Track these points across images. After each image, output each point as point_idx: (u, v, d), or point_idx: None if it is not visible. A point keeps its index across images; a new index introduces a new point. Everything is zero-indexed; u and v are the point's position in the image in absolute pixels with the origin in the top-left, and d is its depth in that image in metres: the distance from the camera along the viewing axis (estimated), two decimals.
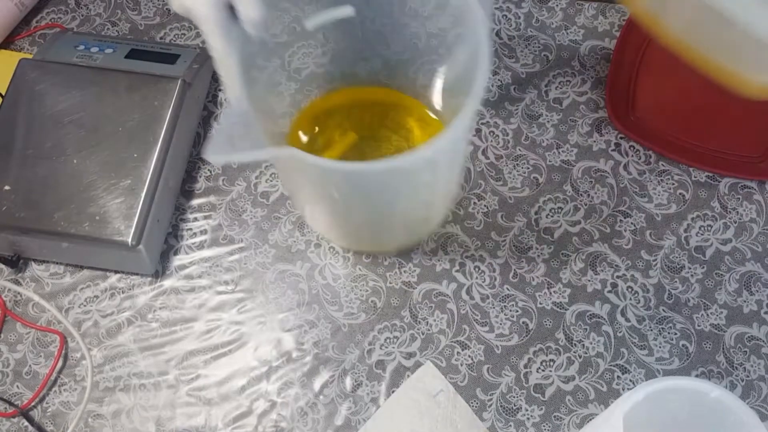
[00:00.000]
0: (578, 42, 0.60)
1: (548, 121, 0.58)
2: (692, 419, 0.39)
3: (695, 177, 0.56)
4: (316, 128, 0.54)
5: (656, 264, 0.53)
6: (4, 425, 0.49)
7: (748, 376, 0.50)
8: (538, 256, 0.53)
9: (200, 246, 0.54)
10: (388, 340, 0.51)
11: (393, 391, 0.50)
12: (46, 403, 0.50)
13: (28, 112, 0.53)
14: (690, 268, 0.53)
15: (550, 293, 0.52)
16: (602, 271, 0.53)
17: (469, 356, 0.51)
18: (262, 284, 0.53)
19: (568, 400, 0.50)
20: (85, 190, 0.51)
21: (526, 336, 0.51)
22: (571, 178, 0.56)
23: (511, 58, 0.60)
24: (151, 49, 0.56)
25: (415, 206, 0.48)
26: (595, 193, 0.55)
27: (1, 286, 0.53)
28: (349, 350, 0.51)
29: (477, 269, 0.53)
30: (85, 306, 0.52)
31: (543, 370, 0.50)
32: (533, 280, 0.53)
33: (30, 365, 0.51)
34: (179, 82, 0.54)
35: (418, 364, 0.50)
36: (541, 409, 0.49)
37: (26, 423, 0.49)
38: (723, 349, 0.51)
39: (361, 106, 0.55)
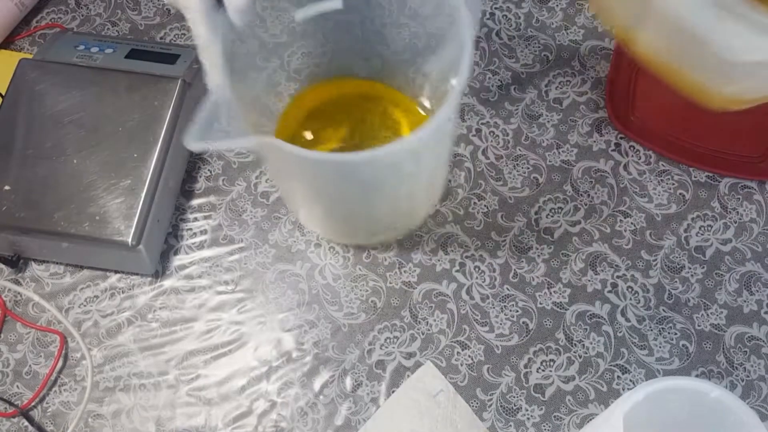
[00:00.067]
0: (578, 42, 0.60)
1: (548, 121, 0.58)
2: (692, 419, 0.39)
3: (695, 177, 0.56)
4: (308, 133, 0.54)
5: (656, 264, 0.53)
6: (4, 425, 0.49)
7: (748, 376, 0.50)
8: (538, 256, 0.53)
9: (200, 246, 0.54)
10: (388, 340, 0.51)
11: (393, 391, 0.50)
12: (46, 403, 0.50)
13: (28, 112, 0.53)
14: (690, 268, 0.53)
15: (550, 293, 0.52)
16: (602, 271, 0.53)
17: (469, 356, 0.51)
18: (262, 284, 0.53)
19: (568, 400, 0.50)
20: (85, 190, 0.51)
21: (526, 336, 0.51)
22: (571, 178, 0.56)
23: (511, 58, 0.60)
24: (151, 49, 0.56)
25: (399, 198, 0.48)
26: (595, 193, 0.55)
27: (1, 286, 0.53)
28: (349, 350, 0.51)
29: (477, 269, 0.53)
30: (85, 306, 0.52)
31: (543, 370, 0.50)
32: (533, 280, 0.53)
33: (30, 365, 0.51)
34: (179, 82, 0.54)
35: (418, 364, 0.50)
36: (541, 409, 0.49)
37: (26, 423, 0.49)
38: (723, 349, 0.51)
39: (354, 102, 0.55)
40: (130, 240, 0.50)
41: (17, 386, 0.50)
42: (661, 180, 0.56)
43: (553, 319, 0.52)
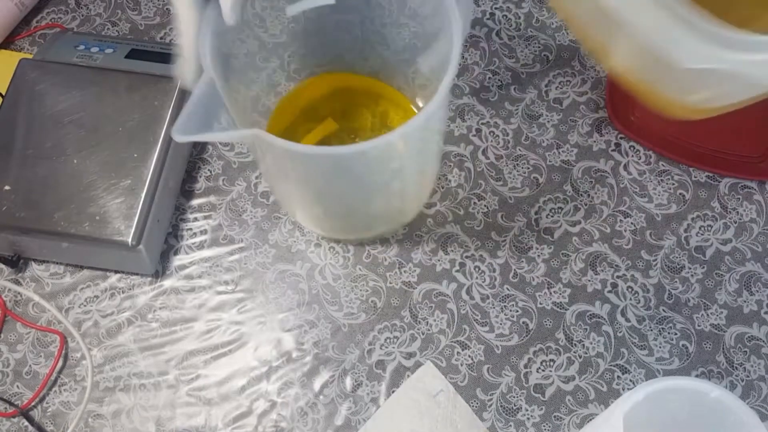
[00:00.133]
0: (578, 42, 0.60)
1: (548, 121, 0.58)
2: (692, 419, 0.39)
3: (695, 177, 0.56)
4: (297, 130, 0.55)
5: (656, 264, 0.53)
6: (4, 425, 0.49)
7: (748, 376, 0.50)
8: (538, 256, 0.53)
9: (200, 246, 0.54)
10: (388, 340, 0.51)
11: (393, 391, 0.50)
12: (46, 403, 0.50)
13: (28, 112, 0.53)
14: (690, 268, 0.53)
15: (550, 293, 0.52)
16: (602, 271, 0.53)
17: (469, 356, 0.51)
18: (262, 284, 0.53)
19: (568, 400, 0.50)
20: (85, 190, 0.51)
21: (526, 336, 0.51)
22: (571, 178, 0.56)
23: (511, 58, 0.60)
24: (151, 49, 0.56)
25: (388, 193, 0.48)
26: (595, 193, 0.55)
27: (1, 286, 0.53)
28: (349, 350, 0.51)
29: (477, 269, 0.53)
30: (85, 306, 0.52)
31: (543, 370, 0.50)
32: (533, 280, 0.53)
33: (30, 365, 0.51)
34: (179, 82, 0.54)
35: (418, 364, 0.50)
36: (541, 409, 0.49)
37: (26, 423, 0.49)
38: (723, 349, 0.51)
39: (346, 96, 0.56)
40: (130, 240, 0.50)
41: (17, 386, 0.50)
42: (661, 180, 0.56)
43: (553, 319, 0.52)
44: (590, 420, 0.48)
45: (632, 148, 0.57)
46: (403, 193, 0.48)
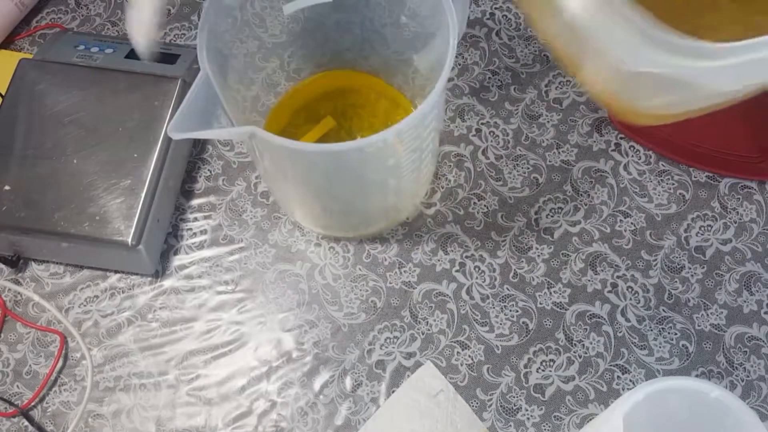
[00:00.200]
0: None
1: (548, 121, 0.58)
2: (692, 419, 0.39)
3: (695, 177, 0.56)
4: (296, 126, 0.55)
5: (656, 264, 0.53)
6: (4, 425, 0.49)
7: (748, 376, 0.50)
8: (538, 256, 0.53)
9: (200, 246, 0.54)
10: (388, 340, 0.51)
11: (393, 391, 0.50)
12: (46, 403, 0.50)
13: (28, 112, 0.53)
14: (690, 268, 0.53)
15: (550, 293, 0.52)
16: (602, 271, 0.53)
17: (469, 356, 0.51)
18: (262, 284, 0.53)
19: (568, 400, 0.50)
20: (85, 190, 0.51)
21: (526, 336, 0.51)
22: (571, 178, 0.56)
23: (511, 58, 0.60)
24: None
25: (381, 191, 0.48)
26: (595, 193, 0.55)
27: (1, 286, 0.53)
28: (349, 350, 0.51)
29: (477, 269, 0.53)
30: (85, 306, 0.52)
31: (543, 370, 0.50)
32: (533, 280, 0.53)
33: (30, 365, 0.51)
34: (179, 82, 0.54)
35: (418, 364, 0.50)
36: (541, 409, 0.49)
37: (26, 423, 0.49)
38: (723, 349, 0.51)
39: (345, 96, 0.56)
40: (130, 240, 0.50)
41: (17, 386, 0.50)
42: (661, 180, 0.56)
43: (553, 319, 0.52)
44: (590, 420, 0.48)
45: (632, 148, 0.57)
46: (398, 190, 0.48)
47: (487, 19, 0.61)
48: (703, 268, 0.53)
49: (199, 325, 0.52)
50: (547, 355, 0.51)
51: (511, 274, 0.53)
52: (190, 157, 0.57)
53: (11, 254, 0.52)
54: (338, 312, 0.52)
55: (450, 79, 0.59)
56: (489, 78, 0.59)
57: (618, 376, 0.50)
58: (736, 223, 0.55)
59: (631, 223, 0.54)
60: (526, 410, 0.49)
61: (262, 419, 0.49)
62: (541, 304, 0.52)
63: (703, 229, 0.54)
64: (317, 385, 0.50)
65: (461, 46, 0.60)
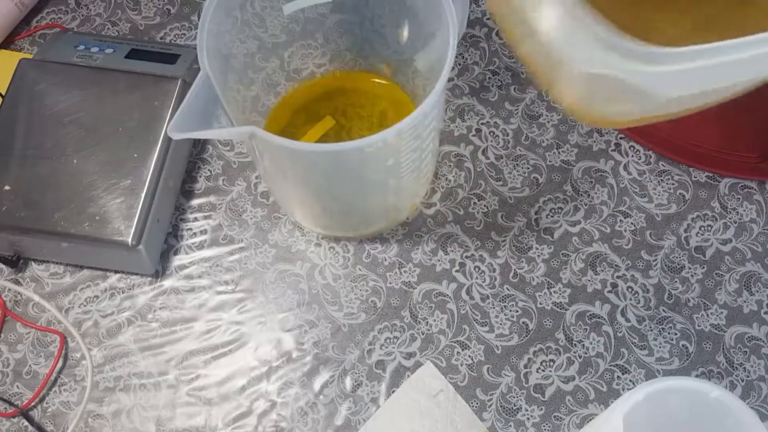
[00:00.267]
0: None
1: (548, 121, 0.58)
2: (692, 419, 0.39)
3: (695, 177, 0.56)
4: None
5: (656, 264, 0.53)
6: (4, 425, 0.49)
7: (748, 376, 0.50)
8: (538, 256, 0.53)
9: (200, 246, 0.54)
10: (388, 340, 0.51)
11: (393, 391, 0.50)
12: (46, 403, 0.50)
13: (28, 112, 0.53)
14: (690, 268, 0.53)
15: (550, 293, 0.52)
16: (602, 271, 0.53)
17: (469, 356, 0.51)
18: (262, 284, 0.53)
19: (568, 400, 0.50)
20: (85, 190, 0.51)
21: (526, 336, 0.51)
22: (571, 178, 0.56)
23: (511, 59, 0.60)
24: (151, 49, 0.56)
25: (381, 191, 0.48)
26: (595, 193, 0.55)
27: (1, 286, 0.53)
28: (349, 350, 0.51)
29: (477, 269, 0.53)
30: (85, 306, 0.52)
31: (543, 370, 0.50)
32: (533, 280, 0.53)
33: (30, 365, 0.51)
34: (179, 82, 0.54)
35: (418, 364, 0.50)
36: (541, 409, 0.49)
37: (26, 423, 0.49)
38: (723, 349, 0.51)
39: (345, 96, 0.56)
40: (130, 240, 0.50)
41: (17, 386, 0.50)
42: (661, 180, 0.56)
43: (553, 319, 0.52)
44: (590, 420, 0.48)
45: (632, 148, 0.57)
46: (398, 190, 0.48)
47: (487, 19, 0.61)
48: (703, 268, 0.53)
49: (199, 325, 0.52)
50: (547, 355, 0.51)
51: (511, 274, 0.53)
52: (190, 157, 0.57)
53: (11, 254, 0.52)
54: (338, 312, 0.52)
55: (450, 79, 0.59)
56: (489, 78, 0.59)
57: (618, 376, 0.50)
58: (736, 223, 0.55)
59: (631, 223, 0.54)
60: (526, 410, 0.49)
61: (262, 419, 0.49)
62: (541, 304, 0.52)
63: (703, 229, 0.54)
64: (317, 385, 0.50)
65: (461, 46, 0.60)
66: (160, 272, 0.53)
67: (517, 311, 0.52)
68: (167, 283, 0.53)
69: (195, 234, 0.55)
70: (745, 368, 0.50)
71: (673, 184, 0.56)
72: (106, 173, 0.51)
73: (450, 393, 0.49)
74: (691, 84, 0.30)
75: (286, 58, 0.53)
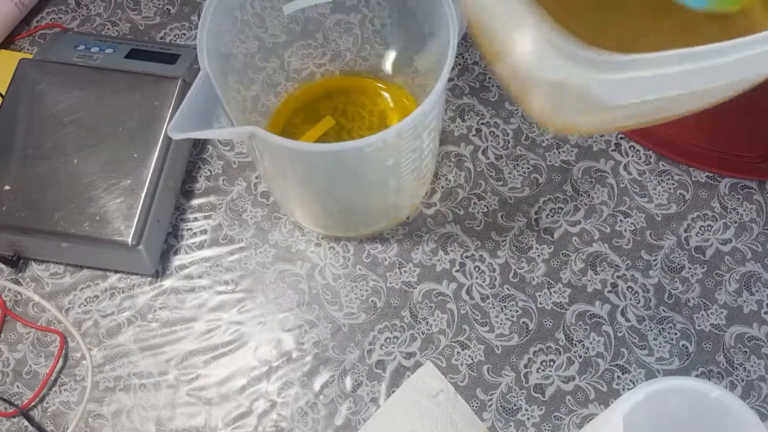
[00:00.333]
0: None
1: None
2: (692, 419, 0.39)
3: (695, 177, 0.56)
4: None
5: (656, 264, 0.53)
6: (4, 425, 0.49)
7: (748, 376, 0.50)
8: (538, 256, 0.53)
9: (200, 246, 0.54)
10: (388, 340, 0.51)
11: (393, 391, 0.50)
12: (46, 403, 0.50)
13: (28, 112, 0.53)
14: (690, 268, 0.53)
15: (550, 293, 0.52)
16: (602, 271, 0.53)
17: (469, 356, 0.51)
18: (262, 284, 0.53)
19: (568, 400, 0.50)
20: (85, 190, 0.51)
21: (526, 336, 0.51)
22: (571, 178, 0.56)
23: None
24: (151, 49, 0.56)
25: (381, 191, 0.48)
26: (595, 193, 0.55)
27: (1, 286, 0.53)
28: (349, 350, 0.51)
29: (477, 269, 0.53)
30: (85, 306, 0.52)
31: (543, 370, 0.50)
32: (533, 280, 0.53)
33: (30, 365, 0.51)
34: (179, 82, 0.54)
35: (418, 364, 0.50)
36: (541, 409, 0.49)
37: (26, 423, 0.49)
38: (723, 349, 0.51)
39: (345, 96, 0.56)
40: (130, 240, 0.50)
41: (17, 386, 0.50)
42: (661, 180, 0.56)
43: (553, 319, 0.52)
44: (590, 420, 0.48)
45: (632, 148, 0.57)
46: (398, 190, 0.48)
47: None
48: (703, 268, 0.53)
49: (199, 325, 0.52)
50: (547, 355, 0.51)
51: (511, 274, 0.53)
52: (190, 157, 0.57)
53: (11, 254, 0.52)
54: (338, 312, 0.52)
55: (450, 79, 0.59)
56: (489, 78, 0.59)
57: (618, 376, 0.50)
58: (736, 223, 0.55)
59: (631, 223, 0.54)
60: (526, 410, 0.49)
61: (262, 419, 0.49)
62: (541, 304, 0.52)
63: (703, 229, 0.54)
64: (317, 385, 0.50)
65: (461, 46, 0.60)
66: (160, 272, 0.53)
67: (517, 311, 0.52)
68: (167, 283, 0.53)
69: (195, 234, 0.55)
70: (745, 368, 0.50)
71: (673, 184, 0.56)
72: (106, 173, 0.51)
73: (450, 393, 0.49)
74: (632, 93, 0.30)
75: (286, 58, 0.53)
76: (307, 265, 0.53)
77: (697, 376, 0.50)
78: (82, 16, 0.62)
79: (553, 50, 0.28)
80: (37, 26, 0.62)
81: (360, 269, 0.53)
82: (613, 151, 0.57)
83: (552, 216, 0.55)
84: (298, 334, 0.52)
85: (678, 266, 0.53)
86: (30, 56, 0.57)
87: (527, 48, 0.30)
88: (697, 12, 0.36)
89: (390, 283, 0.53)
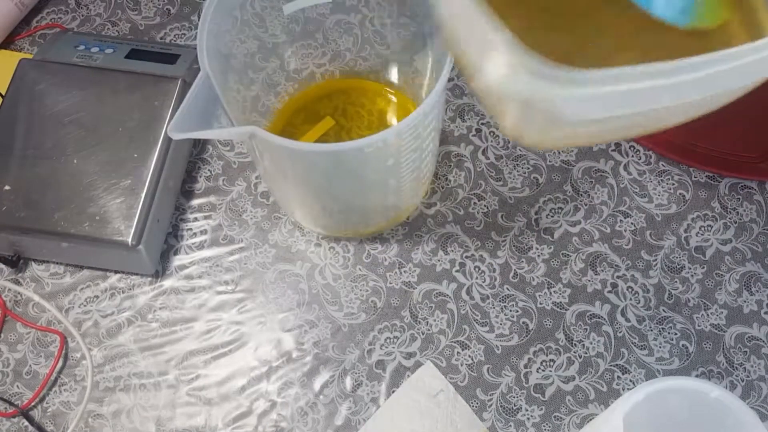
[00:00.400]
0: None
1: None
2: (692, 419, 0.39)
3: (695, 177, 0.56)
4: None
5: (656, 264, 0.53)
6: (4, 425, 0.49)
7: (748, 376, 0.50)
8: (538, 256, 0.53)
9: (200, 246, 0.54)
10: (388, 340, 0.51)
11: (393, 391, 0.50)
12: (46, 403, 0.50)
13: (28, 112, 0.53)
14: (690, 268, 0.53)
15: (550, 293, 0.52)
16: (602, 271, 0.53)
17: (469, 356, 0.51)
18: (262, 284, 0.53)
19: (568, 400, 0.50)
20: (85, 190, 0.51)
21: (526, 336, 0.51)
22: (571, 178, 0.56)
23: None
24: (151, 49, 0.56)
25: (381, 191, 0.48)
26: (595, 193, 0.55)
27: (1, 286, 0.53)
28: (349, 350, 0.51)
29: (477, 269, 0.53)
30: (85, 306, 0.52)
31: (543, 370, 0.50)
32: (533, 280, 0.53)
33: (30, 365, 0.51)
34: (179, 82, 0.54)
35: (418, 364, 0.50)
36: (541, 409, 0.49)
37: (26, 423, 0.49)
38: (723, 349, 0.51)
39: (345, 96, 0.56)
40: (130, 240, 0.50)
41: (17, 386, 0.50)
42: (661, 180, 0.56)
43: (553, 319, 0.52)
44: (590, 420, 0.48)
45: (632, 148, 0.57)
46: (398, 190, 0.49)
47: None
48: (703, 268, 0.53)
49: (199, 325, 0.52)
50: (547, 355, 0.51)
51: (511, 274, 0.53)
52: (190, 157, 0.57)
53: (11, 254, 0.52)
54: (338, 312, 0.52)
55: (450, 79, 0.59)
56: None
57: (618, 376, 0.50)
58: (736, 223, 0.55)
59: (631, 223, 0.54)
60: (526, 410, 0.49)
61: (262, 419, 0.49)
62: (541, 304, 0.52)
63: (703, 229, 0.54)
64: (317, 385, 0.50)
65: None
66: (160, 272, 0.53)
67: (517, 311, 0.52)
68: (167, 283, 0.53)
69: (195, 234, 0.55)
70: (745, 368, 0.50)
71: (673, 184, 0.56)
72: (106, 173, 0.51)
73: (450, 393, 0.49)
74: (596, 109, 0.30)
75: (286, 58, 0.53)
76: (307, 265, 0.53)
77: (697, 376, 0.50)
78: (82, 16, 0.62)
79: (520, 68, 0.28)
80: (37, 26, 0.62)
81: (360, 269, 0.53)
82: (613, 151, 0.57)
83: (552, 216, 0.55)
84: (298, 334, 0.52)
85: (678, 266, 0.53)
86: (30, 56, 0.57)
87: (496, 66, 0.30)
88: (676, 28, 0.36)
89: (390, 283, 0.53)
